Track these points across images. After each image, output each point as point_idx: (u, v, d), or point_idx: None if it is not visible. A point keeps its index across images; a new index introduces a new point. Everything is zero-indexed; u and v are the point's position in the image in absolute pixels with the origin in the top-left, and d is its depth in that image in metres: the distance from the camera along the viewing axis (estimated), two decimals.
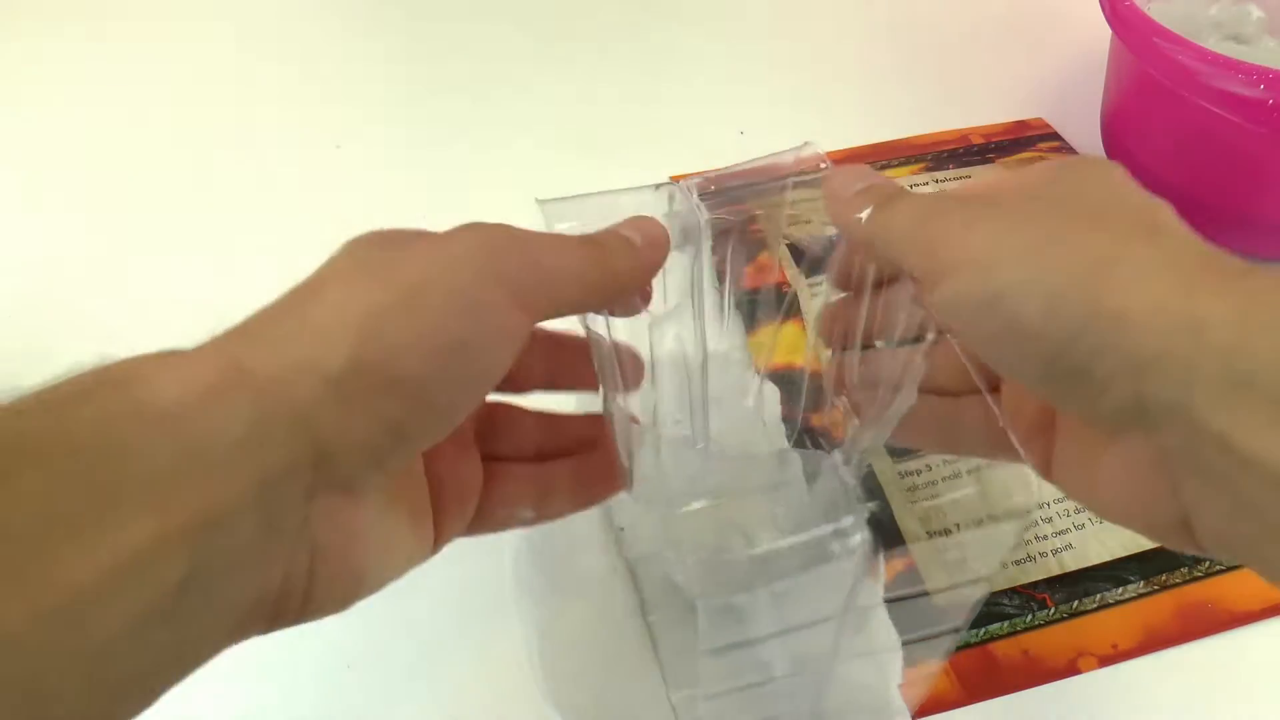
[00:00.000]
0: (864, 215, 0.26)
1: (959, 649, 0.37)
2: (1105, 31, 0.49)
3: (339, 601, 0.23)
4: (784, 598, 0.29)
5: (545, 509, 0.30)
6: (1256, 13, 0.52)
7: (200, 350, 0.21)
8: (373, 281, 0.22)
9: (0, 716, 0.16)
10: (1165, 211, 0.23)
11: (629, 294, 0.27)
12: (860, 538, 0.25)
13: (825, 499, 0.25)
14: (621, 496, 0.30)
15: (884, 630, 0.30)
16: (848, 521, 0.25)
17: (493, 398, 0.30)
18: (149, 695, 0.19)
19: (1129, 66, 0.50)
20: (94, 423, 0.18)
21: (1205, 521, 0.20)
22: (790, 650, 0.31)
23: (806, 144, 0.31)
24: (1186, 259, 0.21)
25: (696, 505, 0.25)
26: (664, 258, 0.27)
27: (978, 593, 0.29)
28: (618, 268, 0.26)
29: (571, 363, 0.30)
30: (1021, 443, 0.26)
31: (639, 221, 0.27)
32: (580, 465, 0.30)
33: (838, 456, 0.26)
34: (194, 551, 0.18)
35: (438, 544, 0.27)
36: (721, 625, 0.28)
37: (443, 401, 0.23)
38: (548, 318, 0.25)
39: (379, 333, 0.21)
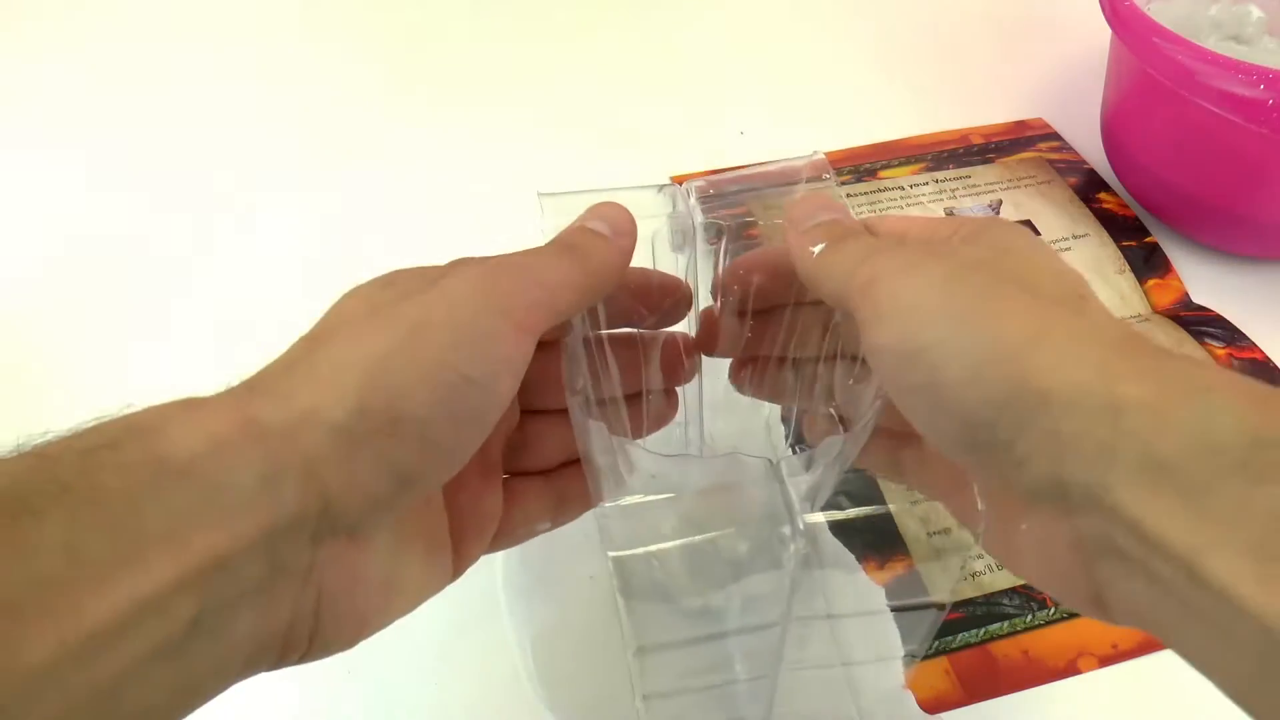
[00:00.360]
0: (816, 250, 0.26)
1: (960, 649, 0.37)
2: (1105, 31, 0.49)
3: (346, 640, 0.23)
4: (729, 603, 0.28)
5: (561, 517, 0.30)
6: (1256, 13, 0.52)
7: (217, 400, 0.21)
8: (376, 326, 0.23)
9: None
10: (1084, 281, 0.23)
11: (610, 287, 0.27)
12: (794, 549, 0.25)
13: (770, 507, 0.25)
14: None
15: (872, 638, 0.30)
16: (785, 532, 0.25)
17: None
18: None
19: (1129, 66, 0.50)
20: (118, 471, 0.19)
21: (1118, 601, 0.20)
22: (737, 655, 0.30)
23: (816, 152, 0.31)
24: (1108, 336, 0.21)
25: (627, 501, 0.25)
26: (634, 243, 0.27)
27: (930, 615, 0.29)
28: (597, 264, 0.26)
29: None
30: (947, 494, 0.26)
31: (602, 210, 0.27)
32: None
33: (784, 468, 0.26)
34: (203, 593, 0.19)
35: (457, 571, 0.27)
36: (655, 625, 0.27)
37: (447, 441, 0.23)
38: (544, 331, 0.25)
39: (383, 377, 0.22)
